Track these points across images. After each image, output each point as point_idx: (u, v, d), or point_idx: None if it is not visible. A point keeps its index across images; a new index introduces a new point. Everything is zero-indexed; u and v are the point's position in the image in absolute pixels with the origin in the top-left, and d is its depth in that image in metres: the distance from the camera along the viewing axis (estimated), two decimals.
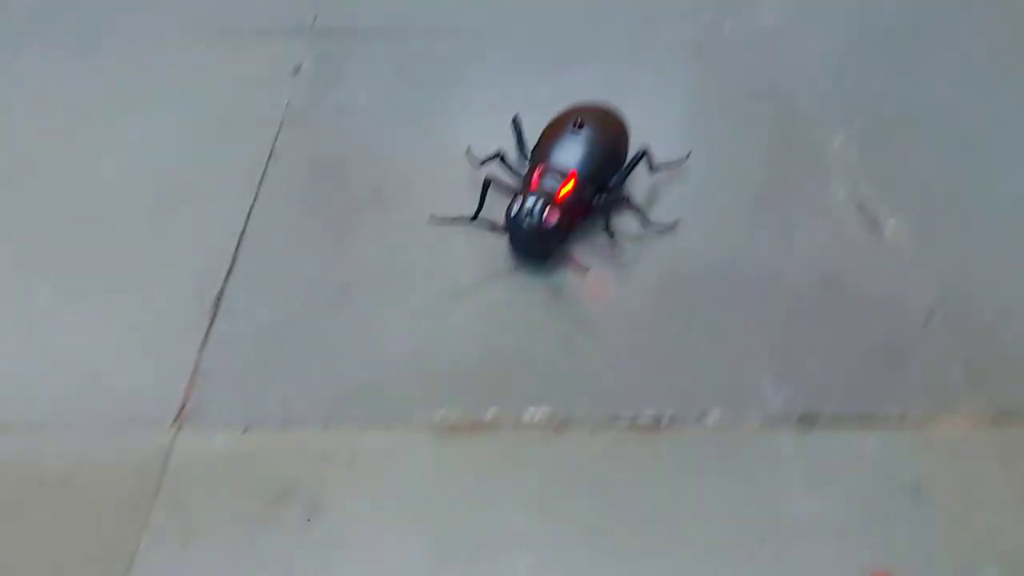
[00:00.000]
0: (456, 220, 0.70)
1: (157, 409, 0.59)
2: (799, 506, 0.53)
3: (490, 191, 0.69)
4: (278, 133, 0.80)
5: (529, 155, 0.73)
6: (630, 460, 0.56)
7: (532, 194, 0.66)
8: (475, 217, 0.70)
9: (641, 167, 0.73)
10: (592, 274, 0.66)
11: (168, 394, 0.60)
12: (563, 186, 0.67)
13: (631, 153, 0.73)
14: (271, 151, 0.78)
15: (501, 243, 0.69)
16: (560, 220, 0.65)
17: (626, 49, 0.91)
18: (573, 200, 0.67)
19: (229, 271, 0.68)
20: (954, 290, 0.65)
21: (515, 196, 0.66)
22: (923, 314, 0.64)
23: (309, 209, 0.73)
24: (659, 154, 0.74)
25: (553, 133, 0.71)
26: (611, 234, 0.68)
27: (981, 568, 0.50)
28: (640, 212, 0.70)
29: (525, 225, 0.65)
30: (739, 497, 0.54)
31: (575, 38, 0.92)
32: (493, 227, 0.68)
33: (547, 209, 0.65)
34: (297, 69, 0.87)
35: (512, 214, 0.66)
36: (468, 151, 0.75)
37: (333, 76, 0.87)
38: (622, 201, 0.70)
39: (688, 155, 0.75)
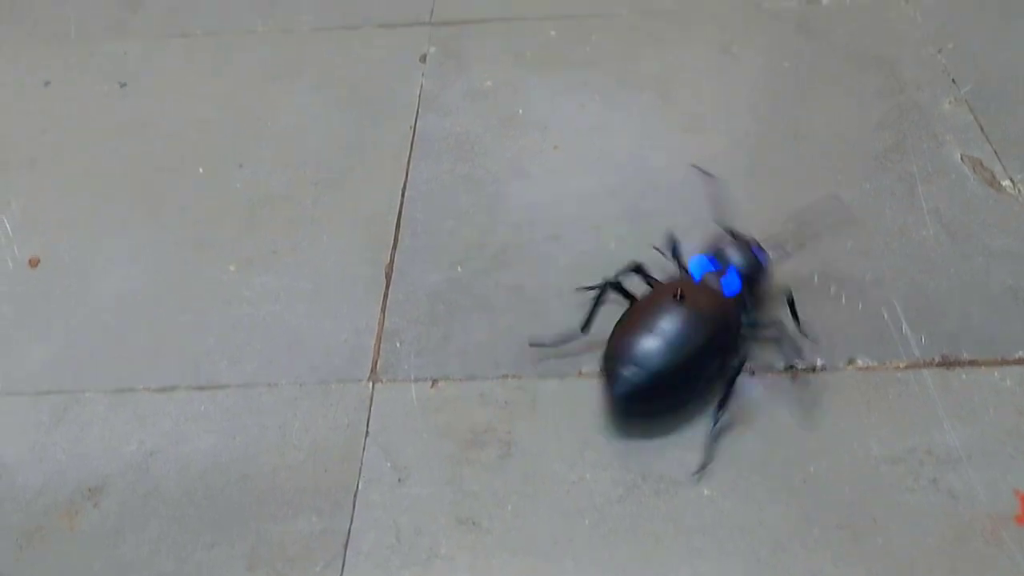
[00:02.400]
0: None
1: (352, 367, 0.66)
2: (949, 436, 0.58)
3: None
4: (417, 116, 0.87)
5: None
6: (789, 401, 0.61)
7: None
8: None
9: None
10: None
11: (359, 353, 0.66)
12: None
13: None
14: (413, 132, 0.85)
15: (644, 209, 0.75)
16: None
17: (731, 25, 0.95)
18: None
19: (395, 241, 0.74)
20: None
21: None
22: None
23: (457, 184, 0.79)
24: (774, 123, 0.78)
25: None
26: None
27: None
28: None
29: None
30: (893, 430, 0.59)
31: (679, 18, 0.97)
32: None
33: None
34: (423, 58, 0.93)
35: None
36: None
37: (457, 64, 0.93)
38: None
39: None
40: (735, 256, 0.63)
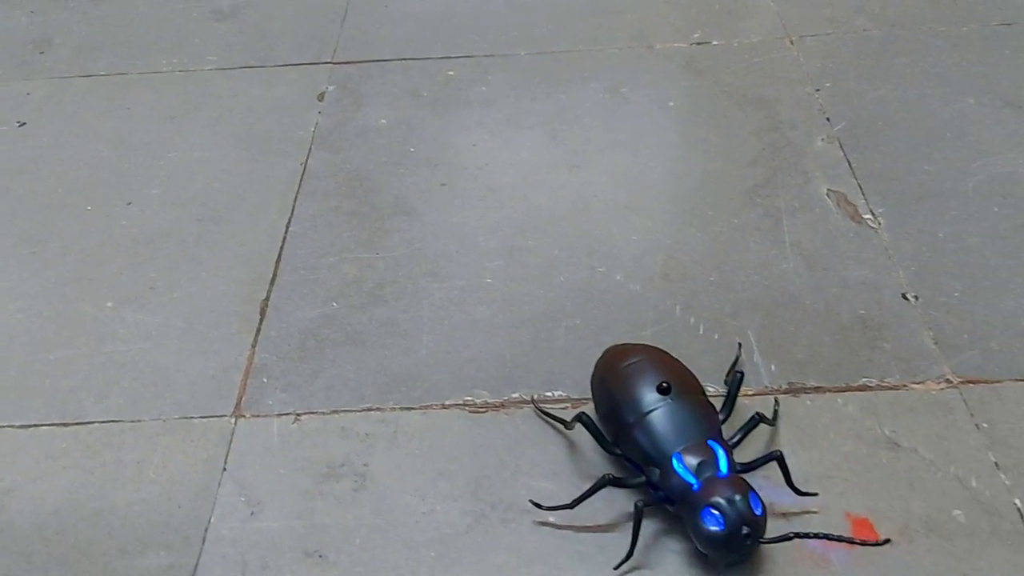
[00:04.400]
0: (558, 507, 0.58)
1: (216, 403, 0.66)
2: (790, 461, 0.60)
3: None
4: (309, 153, 0.88)
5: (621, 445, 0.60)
6: None
7: (716, 493, 0.54)
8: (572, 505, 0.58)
9: None
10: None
11: (225, 389, 0.67)
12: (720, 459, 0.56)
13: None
14: (303, 169, 0.86)
15: (522, 245, 0.77)
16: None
17: (623, 65, 0.98)
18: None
19: (273, 278, 0.76)
20: (926, 270, 0.73)
21: (699, 507, 0.54)
22: (898, 293, 0.71)
23: (341, 220, 0.81)
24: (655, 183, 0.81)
25: (632, 409, 0.59)
26: None
27: (949, 512, 0.57)
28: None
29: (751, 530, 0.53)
30: (736, 454, 0.61)
31: (575, 59, 1.00)
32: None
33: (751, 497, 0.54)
34: (321, 96, 0.96)
35: (730, 529, 0.53)
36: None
37: (354, 101, 0.95)
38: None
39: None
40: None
